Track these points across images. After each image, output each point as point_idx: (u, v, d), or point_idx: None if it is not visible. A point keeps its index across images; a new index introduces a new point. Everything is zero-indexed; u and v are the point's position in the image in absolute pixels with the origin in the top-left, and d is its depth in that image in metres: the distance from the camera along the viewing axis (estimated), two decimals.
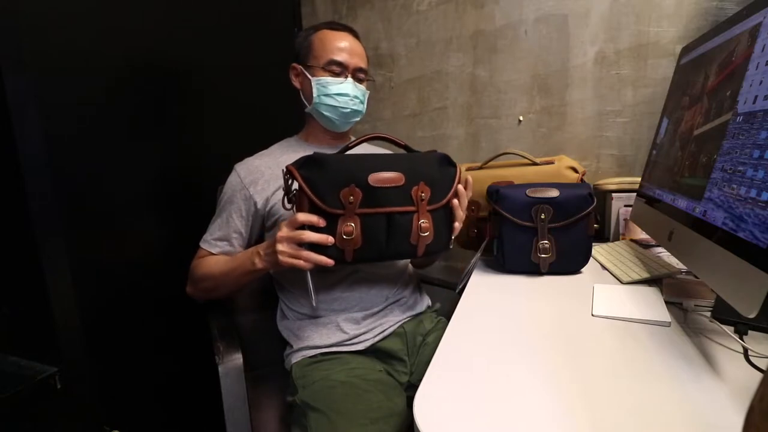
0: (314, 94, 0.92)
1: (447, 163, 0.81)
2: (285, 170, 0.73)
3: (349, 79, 0.92)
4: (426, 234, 0.77)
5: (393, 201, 0.75)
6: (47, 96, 0.78)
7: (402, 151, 0.86)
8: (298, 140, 1.01)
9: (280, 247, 0.74)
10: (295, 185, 0.73)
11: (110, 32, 0.91)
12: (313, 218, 0.72)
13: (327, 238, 0.72)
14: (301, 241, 0.72)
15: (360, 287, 0.89)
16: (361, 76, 0.95)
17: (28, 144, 0.73)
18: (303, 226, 0.72)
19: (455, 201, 0.81)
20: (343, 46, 0.92)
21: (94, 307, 0.86)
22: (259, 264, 0.79)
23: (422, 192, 0.76)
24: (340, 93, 0.91)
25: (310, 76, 0.92)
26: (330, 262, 0.73)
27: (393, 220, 0.75)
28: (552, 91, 1.31)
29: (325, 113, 0.93)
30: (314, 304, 0.81)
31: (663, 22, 1.18)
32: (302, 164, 0.73)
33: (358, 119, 0.97)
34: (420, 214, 0.76)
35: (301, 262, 0.73)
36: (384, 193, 0.74)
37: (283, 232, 0.73)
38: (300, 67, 0.95)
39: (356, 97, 0.93)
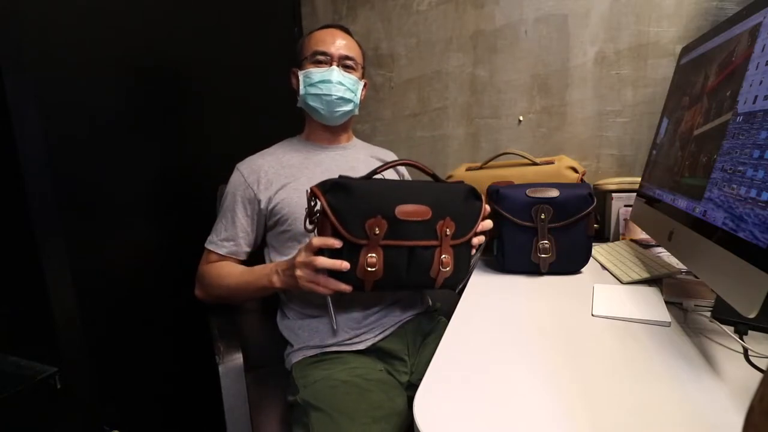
0: (301, 87, 0.93)
1: (473, 197, 0.80)
2: (309, 191, 0.72)
3: (334, 66, 0.92)
4: (447, 269, 0.76)
5: (417, 235, 0.73)
6: (47, 96, 0.78)
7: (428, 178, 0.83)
8: (299, 140, 1.02)
9: (298, 272, 0.74)
10: (318, 206, 0.71)
11: (110, 32, 0.91)
12: (328, 241, 0.71)
13: (341, 264, 0.70)
14: (316, 267, 0.72)
15: None
16: (350, 63, 0.94)
17: (28, 144, 0.73)
18: (320, 251, 0.72)
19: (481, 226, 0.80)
20: (326, 38, 0.93)
21: (94, 307, 0.86)
22: (277, 283, 0.79)
23: (447, 228, 0.75)
24: (323, 80, 0.91)
25: (299, 73, 0.94)
26: (348, 288, 0.73)
27: (415, 253, 0.74)
28: (552, 91, 1.31)
29: (311, 104, 0.93)
30: (335, 327, 0.81)
31: (663, 22, 1.18)
32: (328, 189, 0.71)
33: (348, 109, 0.95)
34: (443, 248, 0.75)
35: (320, 288, 0.73)
36: (409, 226, 0.72)
37: (301, 257, 0.74)
38: (295, 69, 0.96)
39: (341, 83, 0.92)
